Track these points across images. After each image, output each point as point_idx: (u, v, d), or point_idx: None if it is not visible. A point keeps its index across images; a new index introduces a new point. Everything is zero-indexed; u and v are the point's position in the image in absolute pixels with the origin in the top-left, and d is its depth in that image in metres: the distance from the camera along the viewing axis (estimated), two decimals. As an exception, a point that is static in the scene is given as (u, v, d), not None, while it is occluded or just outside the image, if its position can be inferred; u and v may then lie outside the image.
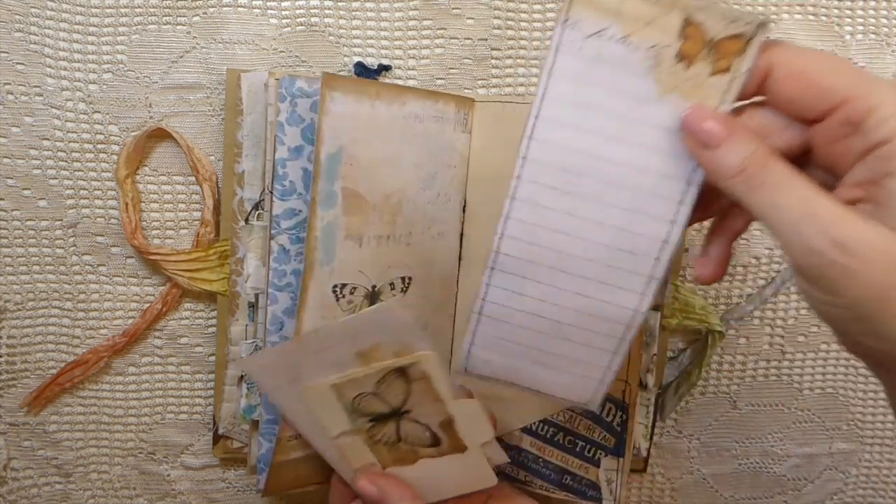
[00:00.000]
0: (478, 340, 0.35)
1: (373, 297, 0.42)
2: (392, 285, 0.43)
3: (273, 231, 0.41)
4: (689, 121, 0.28)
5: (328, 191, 0.39)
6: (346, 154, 0.39)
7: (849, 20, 0.46)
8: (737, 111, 0.29)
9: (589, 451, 0.45)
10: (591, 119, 0.30)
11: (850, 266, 0.25)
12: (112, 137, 0.45)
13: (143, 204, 0.46)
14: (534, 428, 0.46)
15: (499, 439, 0.44)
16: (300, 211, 0.42)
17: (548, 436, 0.46)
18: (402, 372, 0.39)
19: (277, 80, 0.40)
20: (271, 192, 0.41)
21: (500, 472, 0.44)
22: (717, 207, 0.32)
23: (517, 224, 0.32)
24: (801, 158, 0.29)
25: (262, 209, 0.44)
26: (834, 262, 0.25)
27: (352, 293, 0.41)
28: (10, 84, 0.44)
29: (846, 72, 0.27)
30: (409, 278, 0.43)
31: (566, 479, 0.46)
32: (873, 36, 0.46)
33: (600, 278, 0.32)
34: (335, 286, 0.40)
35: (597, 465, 0.45)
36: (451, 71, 0.46)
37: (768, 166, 0.27)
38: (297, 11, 0.45)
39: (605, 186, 0.31)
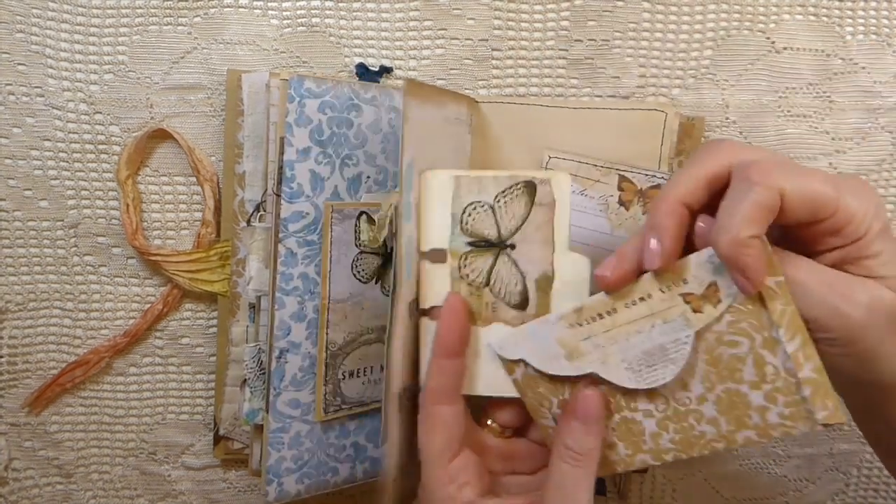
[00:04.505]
0: None
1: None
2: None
3: (281, 234, 0.41)
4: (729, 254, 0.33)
5: (407, 202, 0.37)
6: (415, 161, 0.38)
7: (849, 20, 0.46)
8: None
9: None
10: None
11: (866, 320, 0.31)
12: (113, 138, 0.45)
13: (143, 204, 0.46)
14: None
15: None
16: (308, 213, 0.42)
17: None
18: (530, 189, 0.36)
19: (284, 80, 0.40)
20: (278, 195, 0.41)
21: None
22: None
23: None
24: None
25: (264, 210, 0.44)
26: (853, 318, 0.31)
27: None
28: (11, 85, 0.44)
29: (832, 185, 0.32)
30: None
31: None
32: (874, 36, 0.46)
33: None
34: (409, 302, 0.38)
35: None
36: (452, 71, 0.46)
37: (791, 266, 0.33)
38: (298, 12, 0.45)
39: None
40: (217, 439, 0.48)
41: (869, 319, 0.31)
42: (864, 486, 0.53)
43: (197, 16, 0.44)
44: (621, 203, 0.43)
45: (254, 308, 0.45)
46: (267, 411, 0.43)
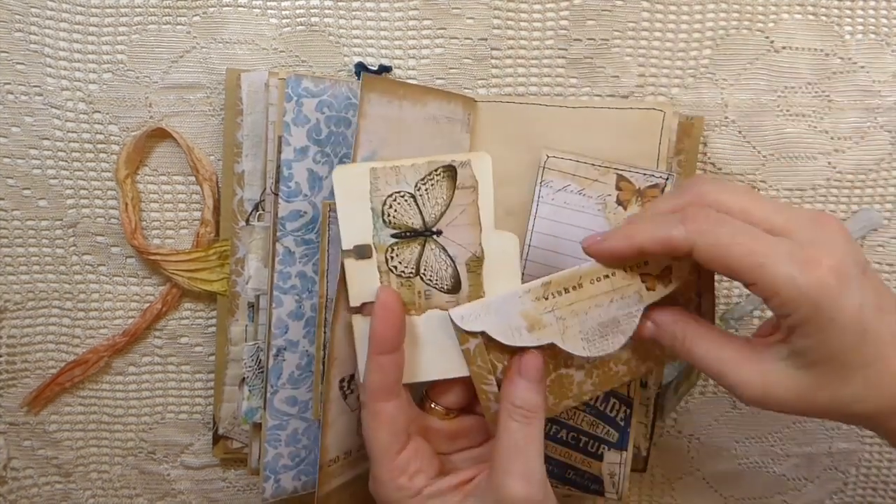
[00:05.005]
0: None
1: None
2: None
3: (278, 233, 0.41)
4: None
5: None
6: (378, 158, 0.39)
7: (849, 20, 0.46)
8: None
9: (592, 447, 0.45)
10: (562, 233, 0.43)
11: (759, 404, 0.34)
12: (112, 137, 0.45)
13: (142, 204, 0.46)
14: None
15: None
16: (305, 212, 0.42)
17: (550, 432, 0.46)
18: (450, 173, 0.37)
19: (282, 79, 0.40)
20: (276, 194, 0.41)
21: None
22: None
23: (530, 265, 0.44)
24: None
25: (263, 209, 0.44)
26: (748, 402, 0.34)
27: None
28: (10, 84, 0.44)
29: (753, 255, 0.32)
30: None
31: (569, 474, 0.46)
32: (873, 36, 0.46)
33: None
34: None
35: (600, 459, 0.45)
36: (451, 71, 0.46)
37: (687, 344, 0.35)
38: (297, 11, 0.45)
39: None
40: (216, 438, 0.48)
41: (765, 400, 0.34)
42: (863, 485, 0.53)
43: (196, 15, 0.44)
44: (619, 202, 0.43)
45: (253, 307, 0.45)
46: (265, 409, 0.43)
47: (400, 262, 0.37)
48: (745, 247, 0.32)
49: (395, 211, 0.36)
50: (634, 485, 0.52)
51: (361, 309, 0.37)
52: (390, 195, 0.36)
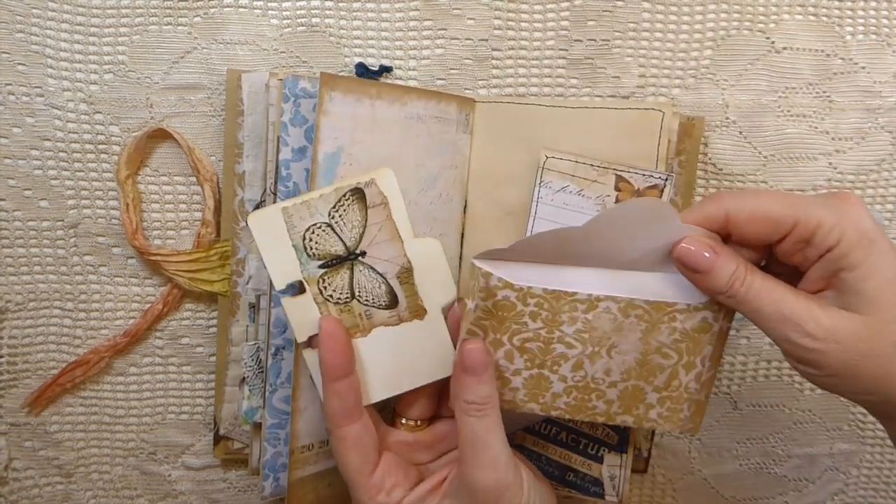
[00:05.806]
0: None
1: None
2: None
3: None
4: (683, 254, 0.35)
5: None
6: (346, 154, 0.39)
7: (849, 20, 0.46)
8: None
9: (592, 449, 0.45)
10: None
11: (821, 348, 0.33)
12: (113, 138, 0.45)
13: (143, 204, 0.46)
14: (536, 427, 0.46)
15: None
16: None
17: (550, 434, 0.46)
18: (359, 195, 0.38)
19: (280, 80, 0.40)
20: (274, 194, 0.41)
21: None
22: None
23: None
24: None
25: (263, 209, 0.44)
26: (809, 348, 0.33)
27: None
28: (11, 84, 0.44)
29: (787, 202, 0.34)
30: None
31: (569, 476, 0.46)
32: (874, 36, 0.46)
33: None
34: None
35: (600, 461, 0.45)
36: (452, 71, 0.46)
37: (747, 282, 0.34)
38: (298, 12, 0.45)
39: None
40: (217, 439, 0.48)
41: (826, 350, 0.33)
42: (864, 485, 0.53)
43: (197, 16, 0.45)
44: (618, 203, 0.43)
45: (254, 308, 0.45)
46: (264, 408, 0.43)
47: (334, 290, 0.38)
48: (776, 196, 0.34)
49: (316, 243, 0.37)
50: (636, 485, 0.52)
51: (310, 343, 0.38)
52: (308, 229, 0.37)
